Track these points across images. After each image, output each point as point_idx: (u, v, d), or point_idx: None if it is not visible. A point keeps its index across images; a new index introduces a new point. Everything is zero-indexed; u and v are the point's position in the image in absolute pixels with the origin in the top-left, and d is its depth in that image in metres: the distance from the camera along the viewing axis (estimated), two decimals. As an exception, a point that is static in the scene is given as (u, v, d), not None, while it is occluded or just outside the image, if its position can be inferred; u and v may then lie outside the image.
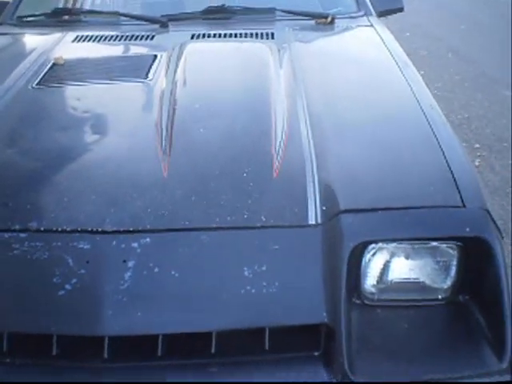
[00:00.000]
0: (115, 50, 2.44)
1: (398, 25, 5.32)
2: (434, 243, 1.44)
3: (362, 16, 2.75)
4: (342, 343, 1.32)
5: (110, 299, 1.31)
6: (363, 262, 1.42)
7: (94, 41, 2.44)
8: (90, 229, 1.40)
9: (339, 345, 1.32)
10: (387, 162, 1.62)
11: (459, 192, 1.47)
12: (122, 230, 1.39)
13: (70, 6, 2.88)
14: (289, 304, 1.34)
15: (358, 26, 2.67)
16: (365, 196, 1.48)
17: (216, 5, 2.65)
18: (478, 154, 4.02)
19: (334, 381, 1.32)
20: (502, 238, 1.43)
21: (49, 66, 2.17)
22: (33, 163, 1.65)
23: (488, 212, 1.44)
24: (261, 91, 1.95)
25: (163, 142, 1.66)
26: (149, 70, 2.09)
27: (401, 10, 3.17)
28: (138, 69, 2.12)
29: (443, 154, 1.60)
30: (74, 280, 1.33)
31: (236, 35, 2.47)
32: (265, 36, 2.44)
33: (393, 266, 1.45)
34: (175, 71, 2.07)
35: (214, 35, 2.47)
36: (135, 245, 1.37)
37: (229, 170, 1.57)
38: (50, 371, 1.31)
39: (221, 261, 1.38)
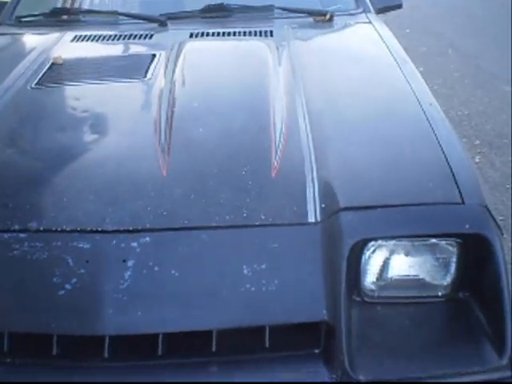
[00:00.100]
0: (114, 49, 2.44)
1: (398, 21, 5.32)
2: (434, 240, 1.44)
3: (360, 13, 2.75)
4: (342, 341, 1.32)
5: (110, 298, 1.31)
6: (363, 260, 1.42)
7: (92, 40, 2.44)
8: (89, 228, 1.40)
9: (339, 342, 1.32)
10: (386, 159, 1.61)
11: (458, 189, 1.47)
12: (121, 229, 1.39)
13: (68, 5, 2.87)
14: (289, 302, 1.34)
15: (357, 23, 2.67)
16: (364, 193, 1.48)
17: (214, 3, 2.64)
18: (479, 150, 4.01)
19: (335, 378, 1.32)
20: (502, 234, 1.43)
21: (48, 65, 2.16)
22: (32, 163, 1.65)
23: (487, 208, 1.44)
24: (260, 89, 1.95)
25: (162, 141, 1.66)
26: (148, 69, 2.08)
27: (399, 6, 3.16)
28: (137, 68, 2.11)
29: (442, 150, 1.60)
30: (74, 280, 1.33)
31: (235, 33, 2.46)
32: (263, 34, 2.44)
33: (392, 263, 1.45)
34: (174, 70, 2.07)
35: (213, 34, 2.47)
36: (135, 244, 1.37)
37: (228, 168, 1.57)
38: (50, 371, 1.31)
39: (220, 259, 1.38)
